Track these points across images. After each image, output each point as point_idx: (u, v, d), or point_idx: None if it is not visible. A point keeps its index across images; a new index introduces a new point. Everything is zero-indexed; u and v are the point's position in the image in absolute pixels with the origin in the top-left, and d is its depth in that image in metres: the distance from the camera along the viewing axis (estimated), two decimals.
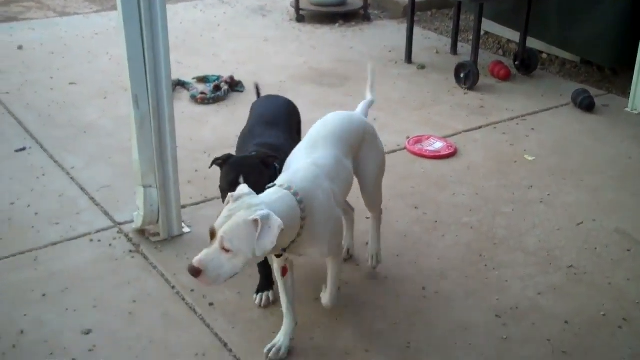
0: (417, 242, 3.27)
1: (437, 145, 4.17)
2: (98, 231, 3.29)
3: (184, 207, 3.37)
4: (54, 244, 3.20)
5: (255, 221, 2.10)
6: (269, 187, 2.32)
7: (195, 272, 2.12)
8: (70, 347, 2.61)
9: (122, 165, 3.79)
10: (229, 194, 2.24)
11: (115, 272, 3.02)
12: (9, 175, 3.79)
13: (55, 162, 3.93)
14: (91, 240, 3.23)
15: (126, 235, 3.26)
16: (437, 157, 4.06)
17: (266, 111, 3.08)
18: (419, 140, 4.22)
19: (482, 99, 4.91)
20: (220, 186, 2.65)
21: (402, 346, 2.63)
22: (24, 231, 3.29)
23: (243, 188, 2.25)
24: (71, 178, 3.76)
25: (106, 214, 3.44)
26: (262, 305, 2.81)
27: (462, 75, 5.08)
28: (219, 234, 2.12)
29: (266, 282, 2.85)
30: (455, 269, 3.07)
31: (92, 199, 3.57)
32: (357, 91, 5.01)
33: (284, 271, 2.56)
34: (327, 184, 2.40)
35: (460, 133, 4.40)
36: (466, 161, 4.05)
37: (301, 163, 2.45)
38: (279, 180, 2.36)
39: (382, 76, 5.33)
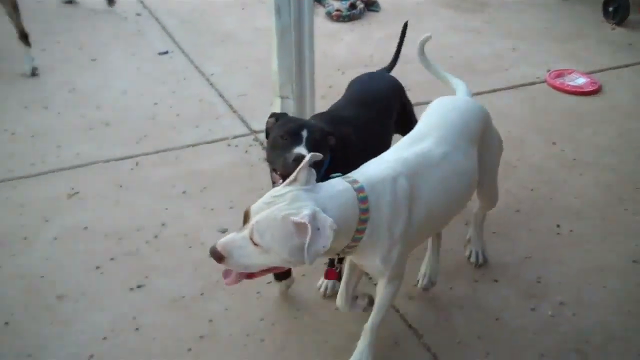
0: (552, 178, 3.16)
1: (580, 80, 3.97)
2: (235, 137, 3.40)
3: None
4: (194, 145, 3.34)
5: (302, 225, 1.67)
6: (333, 177, 1.90)
7: (218, 257, 1.76)
8: (207, 242, 2.70)
9: (258, 75, 3.86)
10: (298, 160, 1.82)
11: (251, 176, 3.11)
12: (152, 76, 3.95)
13: (196, 67, 4.05)
14: (228, 145, 3.34)
15: (261, 144, 3.34)
16: (579, 93, 3.87)
17: (363, 90, 2.65)
18: (560, 74, 4.02)
19: (630, 36, 4.59)
20: (272, 143, 2.12)
21: (532, 280, 2.59)
22: (166, 130, 3.44)
23: (313, 156, 1.80)
24: (210, 84, 3.87)
25: (243, 120, 3.53)
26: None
27: (610, 9, 4.76)
28: (252, 221, 1.73)
29: None
30: (593, 209, 2.96)
31: (230, 105, 3.67)
32: (495, 18, 4.83)
33: (330, 274, 2.35)
34: (405, 184, 1.91)
35: (605, 70, 4.15)
36: (610, 100, 3.83)
37: (392, 155, 2.03)
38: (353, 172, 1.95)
39: (525, 5, 5.09)
